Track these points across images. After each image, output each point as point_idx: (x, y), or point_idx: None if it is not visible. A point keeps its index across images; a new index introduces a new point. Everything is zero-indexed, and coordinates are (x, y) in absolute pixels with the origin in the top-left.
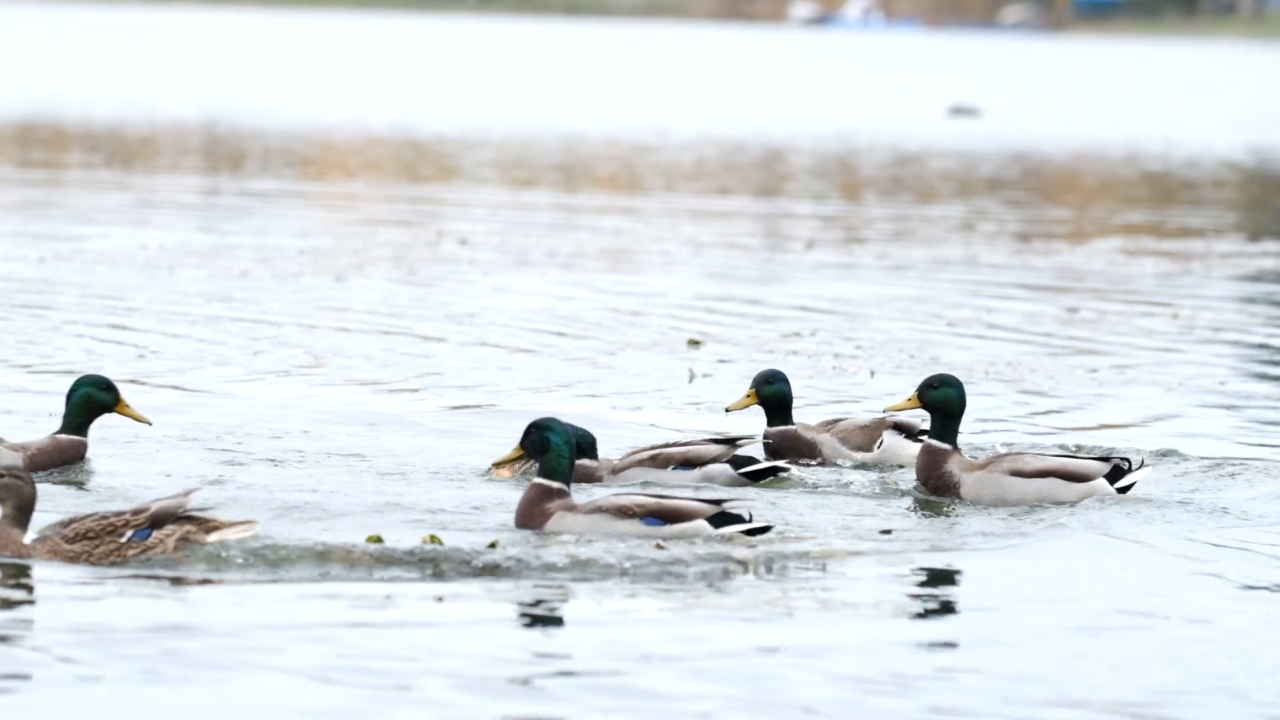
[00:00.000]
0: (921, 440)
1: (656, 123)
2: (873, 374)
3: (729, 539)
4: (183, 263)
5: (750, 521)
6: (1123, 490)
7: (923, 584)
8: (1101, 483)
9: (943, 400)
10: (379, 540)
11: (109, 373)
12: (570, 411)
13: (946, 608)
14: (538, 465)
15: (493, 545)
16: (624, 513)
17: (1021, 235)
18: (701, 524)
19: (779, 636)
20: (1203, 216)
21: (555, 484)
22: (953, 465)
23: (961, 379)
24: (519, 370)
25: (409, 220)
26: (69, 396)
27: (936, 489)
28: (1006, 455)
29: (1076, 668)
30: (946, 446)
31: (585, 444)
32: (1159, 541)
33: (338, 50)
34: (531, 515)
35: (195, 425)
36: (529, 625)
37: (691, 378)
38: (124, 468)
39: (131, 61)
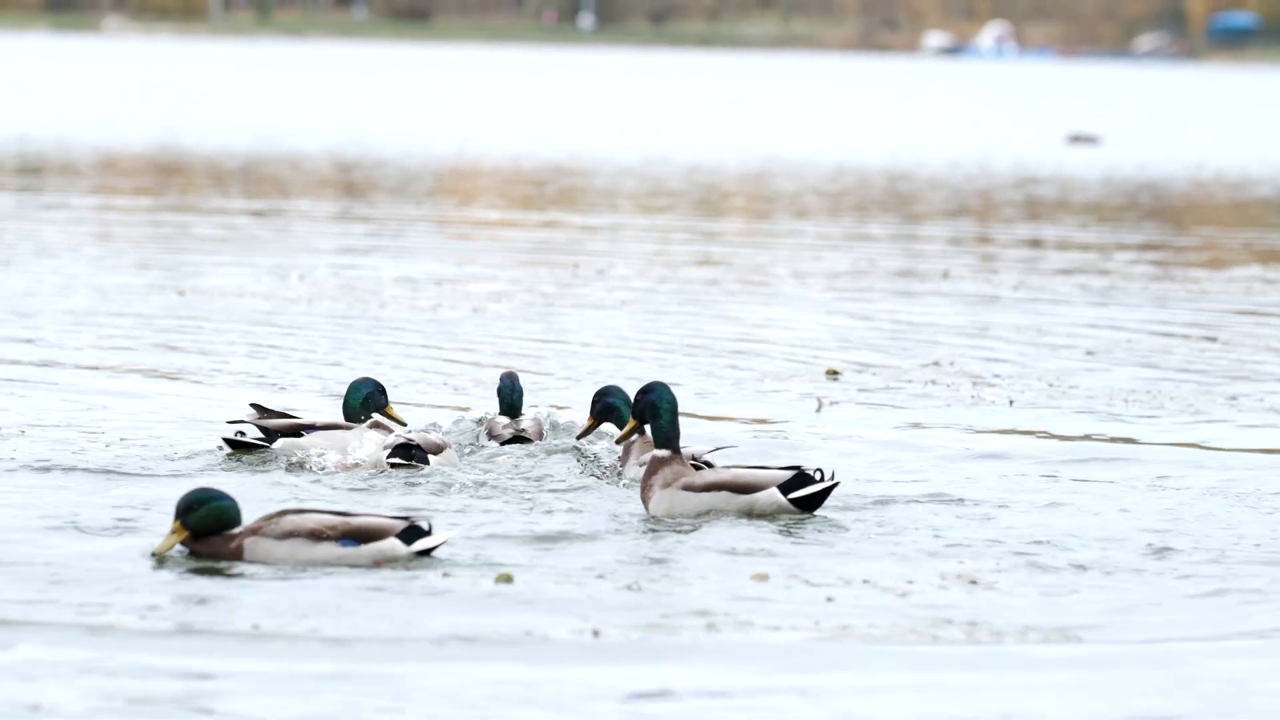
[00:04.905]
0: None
1: (788, 152)
2: (1011, 403)
3: (425, 554)
4: (320, 293)
5: (431, 533)
6: (798, 503)
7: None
8: (771, 493)
9: (645, 406)
10: (509, 578)
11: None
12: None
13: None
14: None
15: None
16: (318, 536)
17: (1158, 262)
18: (394, 542)
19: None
20: None
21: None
22: (655, 479)
23: (1094, 406)
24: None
25: (545, 250)
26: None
27: (643, 499)
28: (698, 472)
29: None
30: (663, 454)
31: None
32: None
33: (469, 83)
34: (225, 549)
35: None
36: None
37: (819, 407)
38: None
39: (253, 95)
